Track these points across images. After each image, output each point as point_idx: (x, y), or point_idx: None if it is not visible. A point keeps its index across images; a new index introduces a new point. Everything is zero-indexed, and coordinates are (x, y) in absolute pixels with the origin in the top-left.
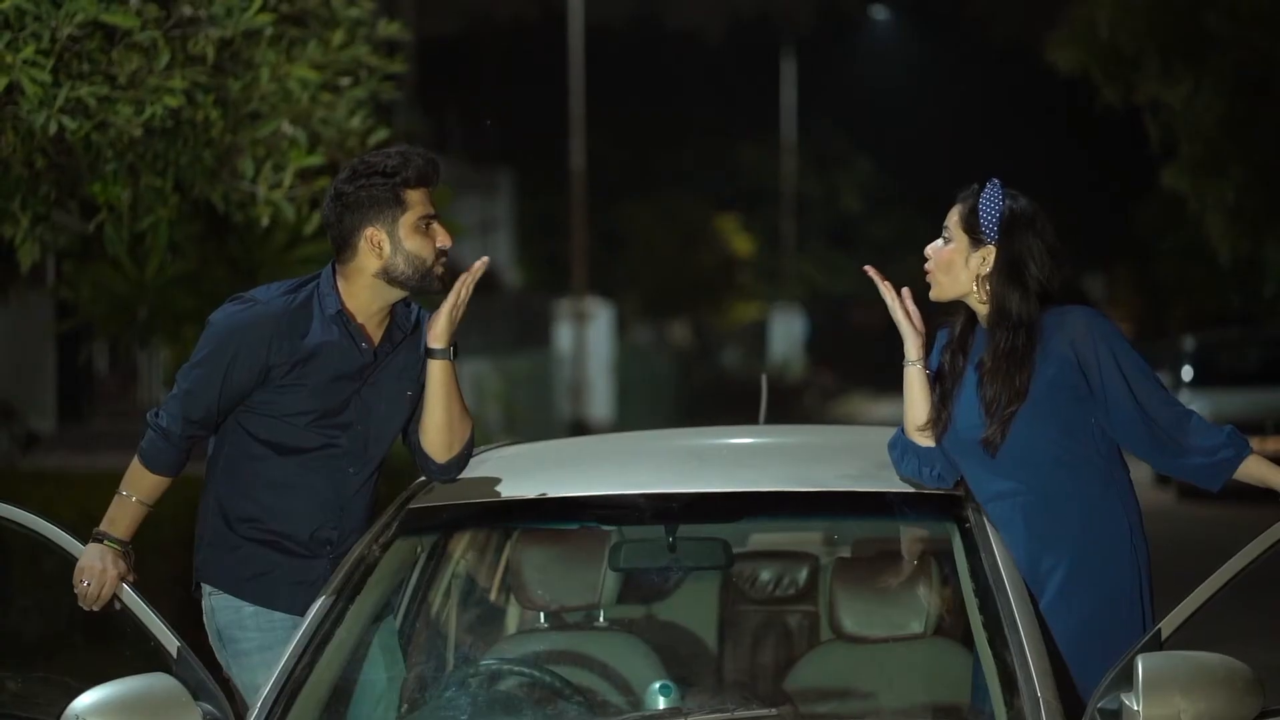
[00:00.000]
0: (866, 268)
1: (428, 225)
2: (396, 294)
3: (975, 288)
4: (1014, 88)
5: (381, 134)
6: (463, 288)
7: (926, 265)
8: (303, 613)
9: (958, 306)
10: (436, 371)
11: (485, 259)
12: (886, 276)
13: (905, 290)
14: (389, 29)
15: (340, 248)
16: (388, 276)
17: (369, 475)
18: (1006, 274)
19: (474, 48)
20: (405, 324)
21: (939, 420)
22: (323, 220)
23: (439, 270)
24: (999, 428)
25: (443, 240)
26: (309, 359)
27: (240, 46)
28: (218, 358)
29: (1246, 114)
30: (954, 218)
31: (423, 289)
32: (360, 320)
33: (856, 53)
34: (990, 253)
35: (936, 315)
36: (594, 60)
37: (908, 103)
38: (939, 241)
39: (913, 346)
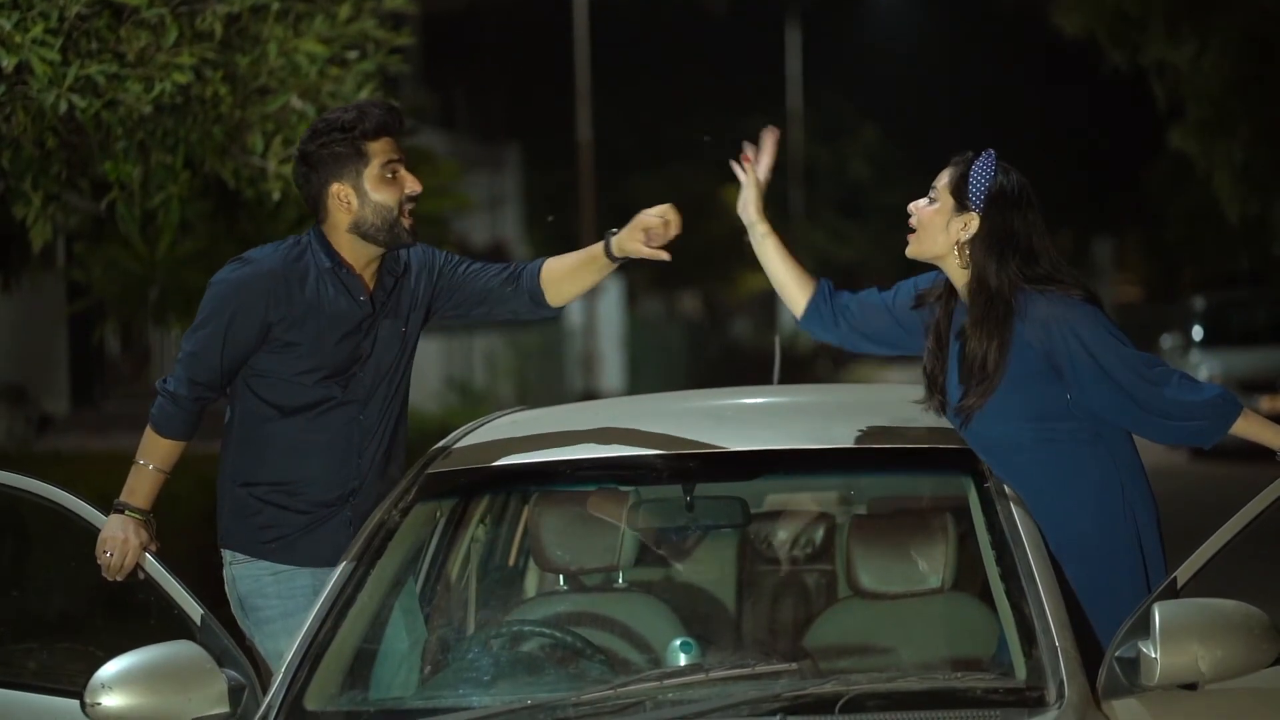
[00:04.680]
0: (733, 163)
1: (394, 173)
2: (375, 249)
3: (954, 252)
4: (1021, 52)
5: None
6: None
7: (910, 221)
8: (324, 563)
9: (932, 282)
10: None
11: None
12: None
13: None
14: (394, 2)
15: (314, 208)
16: (359, 231)
17: (381, 417)
18: (987, 245)
19: (479, 21)
20: (395, 267)
21: (934, 401)
22: (295, 183)
23: (406, 221)
24: (977, 397)
25: (411, 186)
26: (307, 315)
27: (247, 22)
28: (218, 318)
29: (1253, 74)
30: (943, 179)
31: (394, 242)
32: (355, 270)
33: (862, 20)
34: (972, 220)
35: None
36: (599, 33)
37: (914, 69)
38: (924, 200)
39: (756, 229)
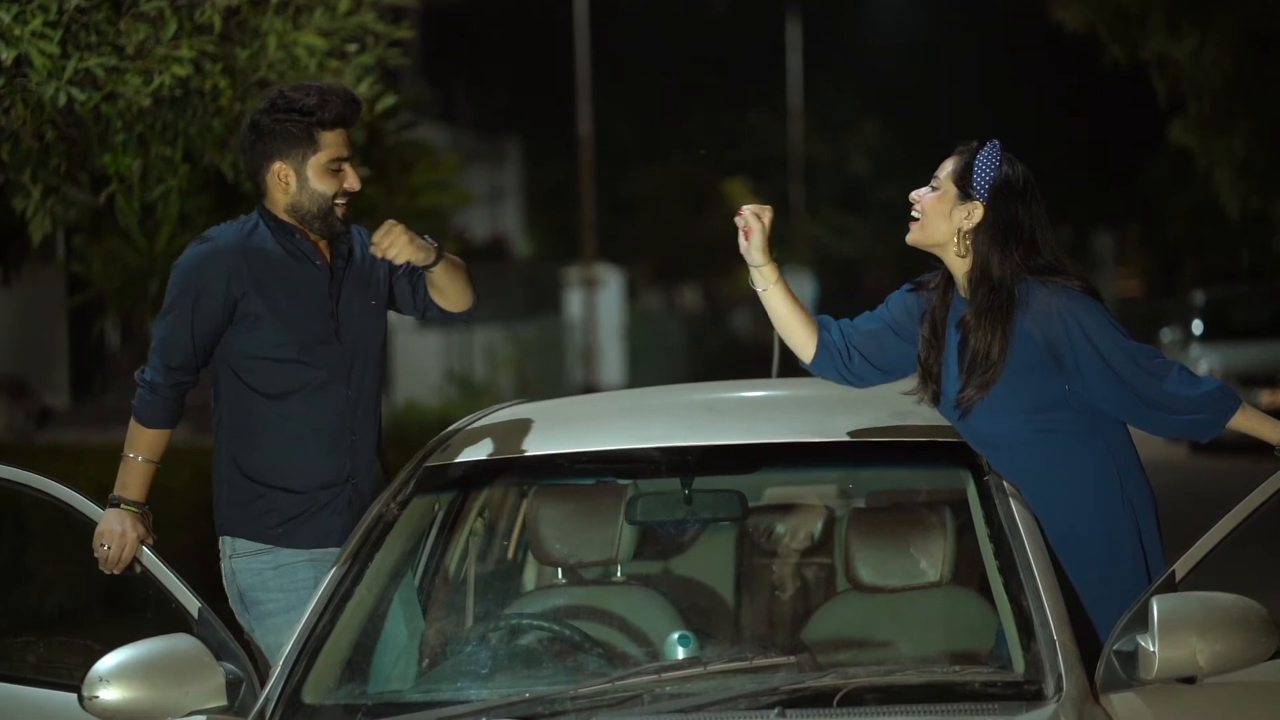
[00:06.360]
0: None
1: (339, 168)
2: (310, 232)
3: (955, 240)
4: (1021, 47)
5: (389, 100)
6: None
7: (913, 210)
8: (330, 544)
9: (932, 273)
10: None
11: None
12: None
13: (742, 220)
14: None
15: (252, 179)
16: (296, 214)
17: (368, 396)
18: (990, 235)
19: (480, 15)
20: (345, 235)
21: (927, 391)
22: (238, 147)
23: (340, 212)
24: (977, 388)
25: (351, 183)
26: (271, 285)
27: (247, 15)
28: (184, 299)
29: (1253, 69)
30: (947, 168)
31: (326, 230)
32: (309, 236)
33: (862, 14)
34: (976, 209)
35: (917, 268)
36: (599, 26)
37: (914, 64)
38: (925, 189)
39: (763, 272)
